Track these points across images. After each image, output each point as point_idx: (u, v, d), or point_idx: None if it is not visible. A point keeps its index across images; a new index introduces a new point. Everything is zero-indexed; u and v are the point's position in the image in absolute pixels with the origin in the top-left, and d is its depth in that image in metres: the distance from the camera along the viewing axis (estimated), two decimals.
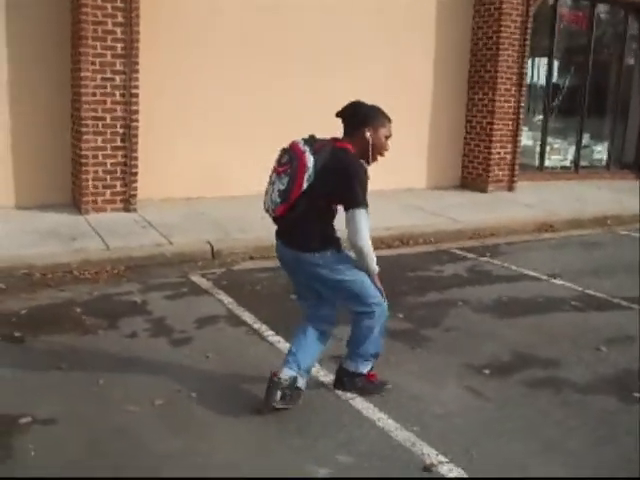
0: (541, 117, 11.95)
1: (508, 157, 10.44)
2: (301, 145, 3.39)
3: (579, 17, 12.01)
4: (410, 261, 6.93)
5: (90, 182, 7.41)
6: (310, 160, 3.33)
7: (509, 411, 3.72)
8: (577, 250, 7.83)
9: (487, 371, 4.24)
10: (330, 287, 3.58)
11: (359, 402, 3.73)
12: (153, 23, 7.76)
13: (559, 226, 8.80)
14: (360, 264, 3.54)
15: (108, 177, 7.49)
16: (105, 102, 7.33)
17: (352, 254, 3.56)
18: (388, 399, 3.78)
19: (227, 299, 5.48)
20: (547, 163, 12.02)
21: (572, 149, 12.32)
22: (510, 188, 10.50)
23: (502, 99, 10.16)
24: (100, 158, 7.41)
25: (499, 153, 10.34)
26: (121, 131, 7.46)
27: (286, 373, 3.57)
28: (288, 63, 8.83)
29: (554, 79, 11.83)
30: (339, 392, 3.83)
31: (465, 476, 2.94)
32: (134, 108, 7.46)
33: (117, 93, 7.37)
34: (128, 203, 7.64)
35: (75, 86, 7.45)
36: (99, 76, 7.26)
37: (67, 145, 7.78)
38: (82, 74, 7.17)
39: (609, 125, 12.87)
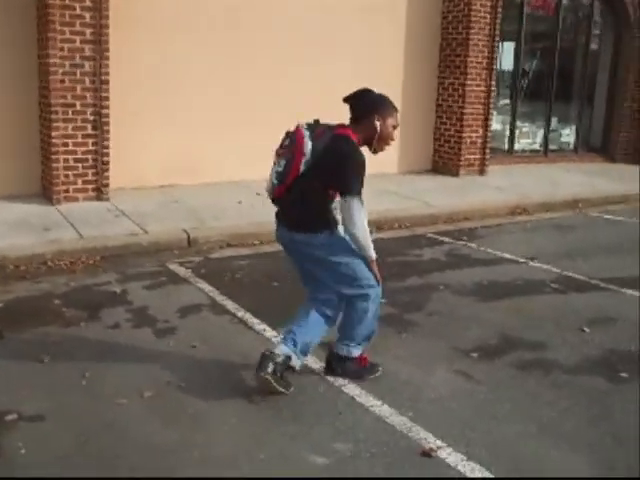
0: (510, 101, 12.02)
1: (479, 141, 10.48)
2: (303, 130, 3.42)
3: (546, 2, 12.08)
4: (387, 246, 6.90)
5: (61, 171, 7.23)
6: (308, 145, 3.37)
7: (501, 393, 3.73)
8: (551, 232, 7.90)
9: (475, 354, 4.25)
10: (325, 269, 3.58)
11: (351, 388, 3.71)
12: (123, 9, 7.59)
13: (531, 209, 8.88)
14: (357, 249, 3.55)
15: (79, 166, 7.32)
16: (75, 89, 7.14)
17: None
18: (380, 385, 3.76)
19: (208, 287, 5.40)
20: (516, 147, 12.12)
21: (541, 133, 12.43)
22: (481, 172, 10.56)
23: (473, 83, 10.18)
24: (71, 146, 7.23)
25: (470, 137, 10.37)
26: (92, 118, 7.28)
27: (280, 348, 3.56)
28: (261, 49, 8.71)
29: (522, 64, 11.90)
30: (330, 378, 3.81)
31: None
32: (104, 95, 7.29)
33: (87, 80, 7.18)
34: (100, 192, 7.48)
35: (43, 72, 7.24)
36: (68, 62, 7.06)
37: (35, 133, 7.58)
38: (50, 60, 6.96)
39: (576, 109, 13.00)
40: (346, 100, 3.55)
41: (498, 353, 4.30)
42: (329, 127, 3.47)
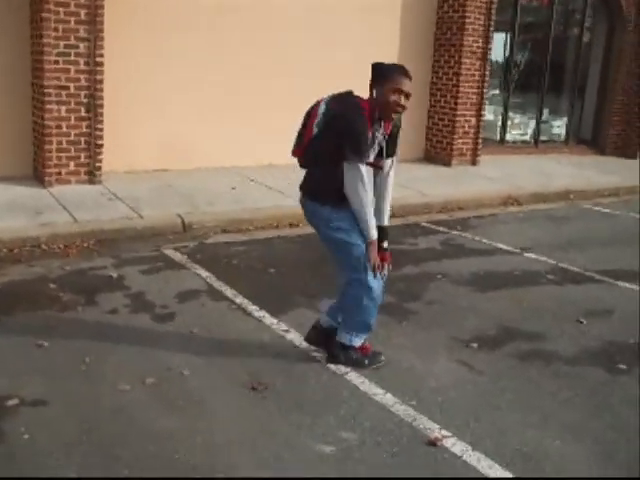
0: (502, 92, 12.02)
1: (472, 131, 10.48)
2: (325, 96, 3.59)
3: None
4: None
5: (53, 153, 7.13)
6: (322, 108, 3.52)
7: (503, 384, 3.74)
8: (544, 223, 7.93)
9: (475, 344, 4.26)
10: (326, 242, 3.69)
11: (354, 377, 3.70)
12: None
13: (524, 200, 8.90)
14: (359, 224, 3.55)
15: (72, 148, 7.22)
16: (69, 70, 7.03)
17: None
18: (383, 373, 3.76)
19: (205, 273, 5.36)
20: (508, 137, 12.14)
21: (532, 124, 12.45)
22: (474, 162, 10.56)
23: (467, 73, 10.16)
24: (64, 128, 7.13)
25: (463, 127, 10.36)
26: (85, 101, 7.18)
27: (323, 319, 3.89)
28: (255, 37, 8.63)
29: (515, 55, 11.89)
30: (332, 366, 3.79)
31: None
32: (99, 77, 7.18)
33: (81, 61, 7.07)
34: (93, 175, 7.39)
35: (36, 53, 7.12)
36: (62, 43, 6.95)
37: (27, 115, 7.47)
38: (44, 40, 6.84)
39: (567, 101, 13.04)
40: None
41: (498, 343, 4.31)
42: (352, 96, 3.53)
